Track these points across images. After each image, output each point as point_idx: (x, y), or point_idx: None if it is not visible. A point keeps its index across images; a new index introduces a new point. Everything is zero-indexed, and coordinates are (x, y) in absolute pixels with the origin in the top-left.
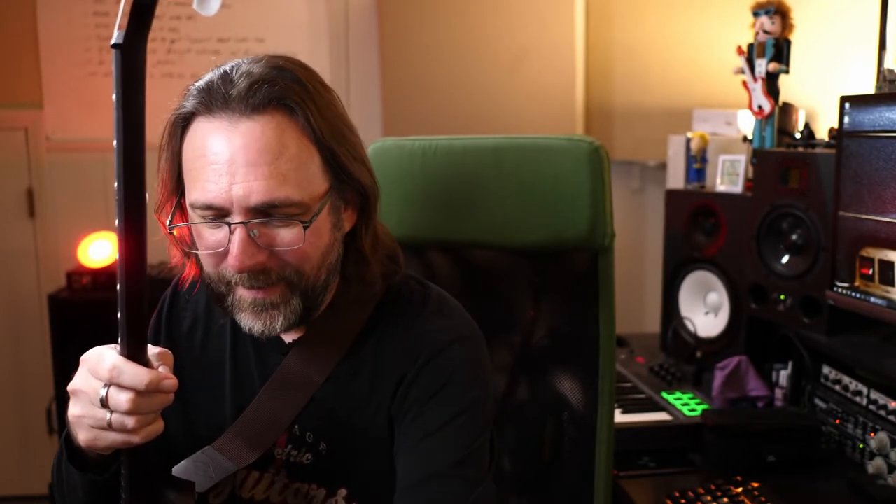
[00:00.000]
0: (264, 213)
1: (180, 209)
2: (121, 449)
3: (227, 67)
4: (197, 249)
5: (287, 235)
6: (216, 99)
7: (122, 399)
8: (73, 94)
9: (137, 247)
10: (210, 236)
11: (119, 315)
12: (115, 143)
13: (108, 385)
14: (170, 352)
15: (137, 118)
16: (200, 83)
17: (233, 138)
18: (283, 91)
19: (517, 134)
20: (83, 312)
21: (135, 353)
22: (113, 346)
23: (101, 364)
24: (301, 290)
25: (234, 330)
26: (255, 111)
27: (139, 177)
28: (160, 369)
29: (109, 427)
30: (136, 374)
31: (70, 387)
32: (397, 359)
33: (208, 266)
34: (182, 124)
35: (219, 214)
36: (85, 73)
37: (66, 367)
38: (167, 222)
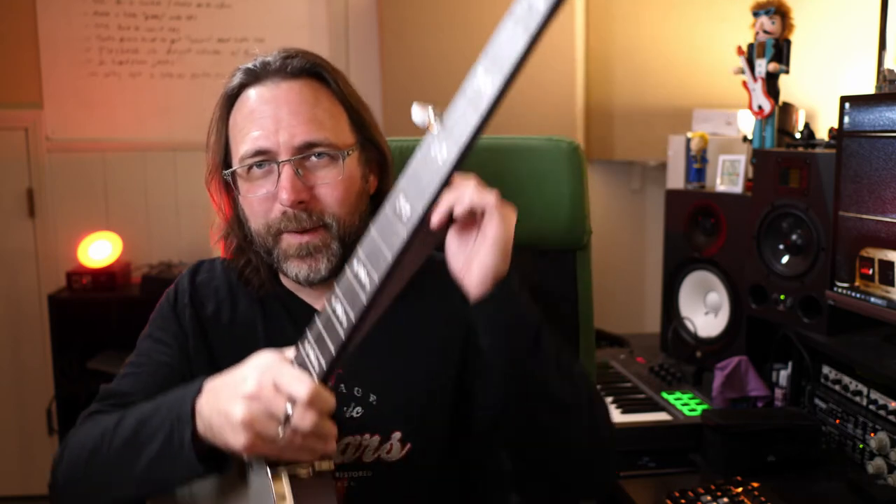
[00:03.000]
0: (306, 153)
1: (227, 178)
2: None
3: (263, 56)
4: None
5: (327, 173)
6: (259, 72)
7: (307, 422)
8: (73, 94)
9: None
10: (259, 188)
11: (328, 342)
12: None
13: (294, 403)
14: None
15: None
16: (243, 66)
17: (277, 95)
18: (314, 62)
19: (517, 134)
20: (83, 312)
21: (325, 381)
22: (287, 358)
23: (296, 384)
24: (339, 234)
25: (262, 305)
26: (293, 76)
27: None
28: None
29: (276, 440)
30: (327, 401)
31: (247, 393)
32: (446, 305)
33: (258, 218)
34: (230, 99)
35: (263, 156)
36: (85, 73)
37: (66, 367)
38: (222, 176)
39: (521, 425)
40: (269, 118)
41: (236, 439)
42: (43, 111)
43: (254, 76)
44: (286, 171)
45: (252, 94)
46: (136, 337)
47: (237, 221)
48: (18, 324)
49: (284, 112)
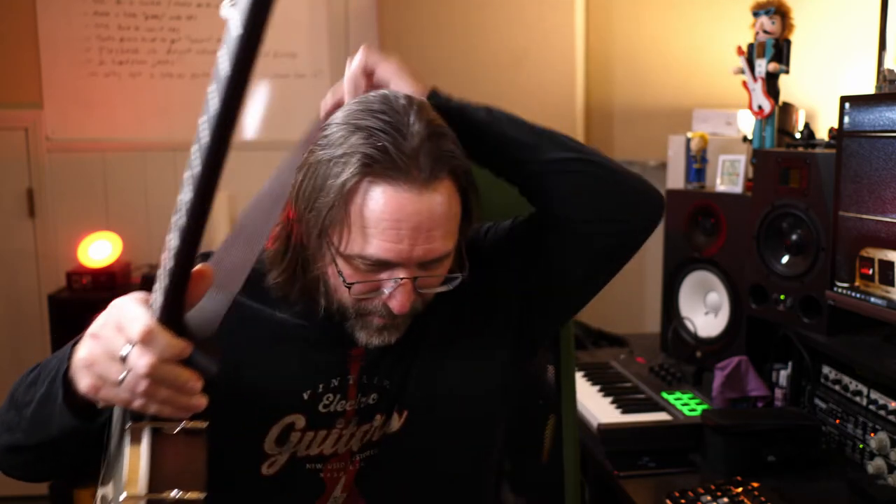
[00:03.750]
0: (428, 265)
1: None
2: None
3: (393, 129)
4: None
5: (437, 278)
6: (397, 169)
7: (142, 363)
8: (73, 94)
9: (204, 214)
10: (364, 277)
11: (165, 277)
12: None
13: (133, 344)
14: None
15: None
16: (369, 145)
17: (420, 210)
18: (453, 161)
19: None
20: (83, 312)
21: (170, 320)
22: (144, 298)
23: (134, 323)
24: (418, 311)
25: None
26: (435, 180)
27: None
28: None
29: (119, 384)
30: (167, 344)
31: (91, 331)
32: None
33: (348, 298)
34: (353, 178)
35: (386, 265)
36: (85, 73)
37: None
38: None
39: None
40: (405, 232)
41: (82, 381)
42: (43, 111)
43: (387, 171)
44: (407, 286)
45: (388, 192)
46: None
47: (299, 265)
48: (18, 324)
49: (424, 228)
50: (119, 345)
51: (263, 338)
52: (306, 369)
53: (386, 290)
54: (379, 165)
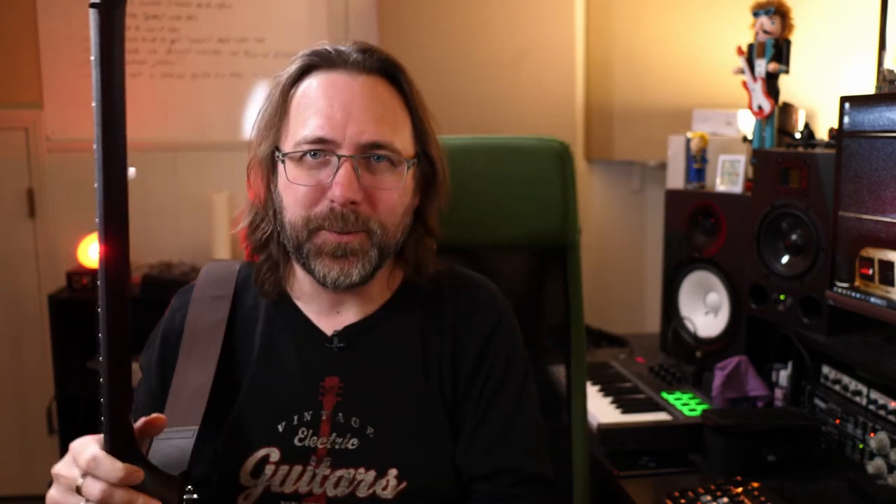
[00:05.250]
0: (369, 153)
1: (279, 159)
2: None
3: (331, 45)
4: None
5: (385, 179)
6: (335, 58)
7: (94, 489)
8: (73, 94)
9: (124, 325)
10: (310, 177)
11: (102, 413)
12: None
13: (85, 475)
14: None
15: (117, 82)
16: (312, 49)
17: (353, 86)
18: (392, 62)
19: (518, 134)
20: (83, 312)
21: (116, 448)
22: (98, 438)
23: (83, 454)
24: (379, 243)
25: (268, 323)
26: (370, 72)
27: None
28: None
29: None
30: (111, 469)
31: (53, 470)
32: (450, 341)
33: (298, 209)
34: (294, 80)
35: (324, 145)
36: (85, 73)
37: (66, 367)
38: (277, 155)
39: None
40: (338, 108)
41: None
42: (43, 111)
43: (328, 61)
44: (345, 168)
45: (323, 78)
46: (136, 337)
47: (271, 210)
48: (18, 324)
49: (357, 105)
50: (75, 476)
51: (243, 368)
52: (280, 401)
53: (328, 181)
54: (315, 63)
